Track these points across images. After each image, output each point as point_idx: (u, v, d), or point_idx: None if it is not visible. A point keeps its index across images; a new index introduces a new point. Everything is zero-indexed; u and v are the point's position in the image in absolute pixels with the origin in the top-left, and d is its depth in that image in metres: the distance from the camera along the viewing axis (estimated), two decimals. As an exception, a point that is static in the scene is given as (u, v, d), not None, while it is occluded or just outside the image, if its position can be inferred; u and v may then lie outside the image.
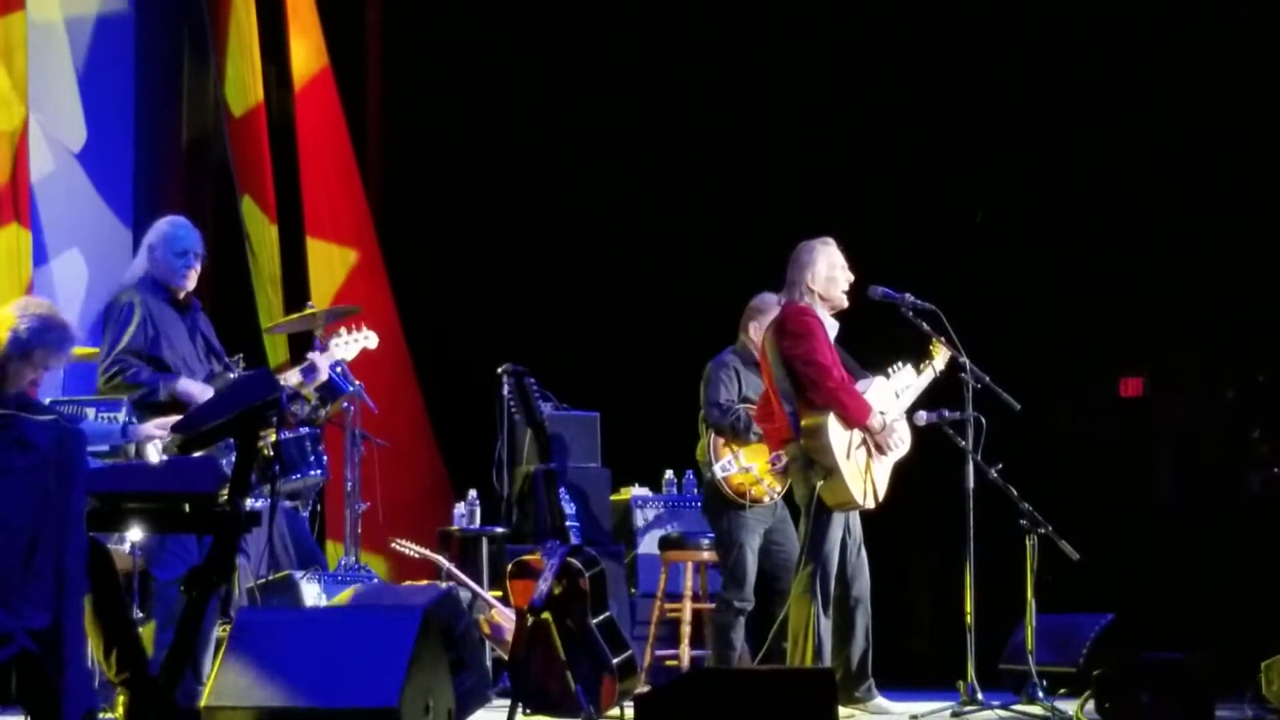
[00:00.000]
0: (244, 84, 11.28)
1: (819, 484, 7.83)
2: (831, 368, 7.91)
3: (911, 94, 11.87)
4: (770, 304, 8.68)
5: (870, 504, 8.00)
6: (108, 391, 7.74)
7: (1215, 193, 11.33)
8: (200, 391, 7.59)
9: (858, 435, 7.92)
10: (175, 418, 7.26)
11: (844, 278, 8.11)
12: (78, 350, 8.42)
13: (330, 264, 11.63)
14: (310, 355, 8.41)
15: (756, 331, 8.74)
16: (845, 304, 8.12)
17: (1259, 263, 11.08)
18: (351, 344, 8.65)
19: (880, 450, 7.98)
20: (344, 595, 8.34)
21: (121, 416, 7.59)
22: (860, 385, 8.06)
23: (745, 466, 8.66)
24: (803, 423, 7.91)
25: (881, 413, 7.98)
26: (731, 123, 12.18)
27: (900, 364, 8.27)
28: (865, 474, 7.92)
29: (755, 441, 8.73)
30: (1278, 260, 10.96)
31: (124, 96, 10.94)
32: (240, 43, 11.26)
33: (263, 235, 11.31)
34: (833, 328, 8.09)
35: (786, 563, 8.63)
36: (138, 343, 7.72)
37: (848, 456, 7.86)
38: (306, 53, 11.71)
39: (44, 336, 6.55)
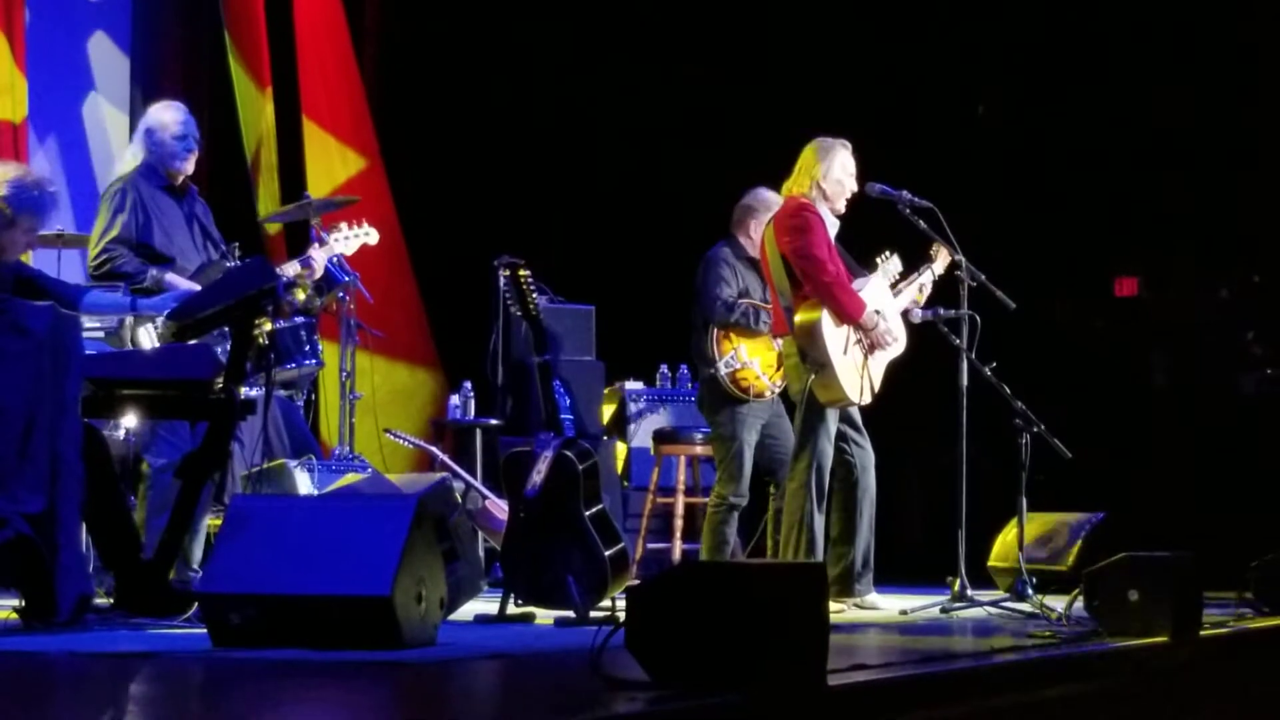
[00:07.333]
0: None
1: (811, 379, 7.84)
2: (827, 263, 7.89)
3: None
4: (768, 201, 8.61)
5: (865, 400, 8.00)
6: (98, 280, 7.72)
7: (1213, 92, 11.30)
8: (186, 287, 7.55)
9: (853, 331, 7.92)
10: (168, 306, 7.25)
11: (850, 185, 8.07)
12: (71, 236, 8.42)
13: (329, 159, 11.52)
14: (310, 250, 8.39)
15: (755, 229, 8.65)
16: (843, 210, 8.08)
17: (1256, 163, 11.05)
18: (352, 239, 8.62)
19: (874, 347, 7.98)
20: (338, 484, 8.37)
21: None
22: (857, 283, 8.03)
23: (746, 362, 8.61)
24: (796, 318, 7.90)
25: (876, 310, 7.97)
26: (730, 14, 12.11)
27: (888, 253, 8.24)
28: (861, 370, 7.92)
29: (766, 332, 8.66)
30: (1274, 160, 10.93)
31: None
32: None
33: (256, 111, 11.13)
34: (833, 225, 8.05)
35: (781, 457, 8.64)
36: (128, 231, 7.69)
37: (844, 353, 7.85)
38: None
39: (23, 199, 6.55)
